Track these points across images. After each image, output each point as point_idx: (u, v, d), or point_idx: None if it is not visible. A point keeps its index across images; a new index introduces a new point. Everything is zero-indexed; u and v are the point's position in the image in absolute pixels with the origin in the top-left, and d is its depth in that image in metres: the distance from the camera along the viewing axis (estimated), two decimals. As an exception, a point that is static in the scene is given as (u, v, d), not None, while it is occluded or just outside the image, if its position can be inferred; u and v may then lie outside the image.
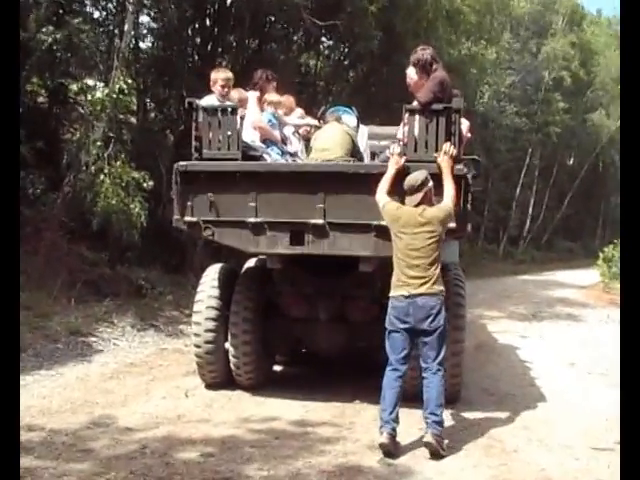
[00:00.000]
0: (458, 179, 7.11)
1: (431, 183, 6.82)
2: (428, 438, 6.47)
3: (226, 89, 8.10)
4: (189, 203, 7.62)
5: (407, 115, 7.39)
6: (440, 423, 6.58)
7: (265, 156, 8.13)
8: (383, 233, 7.20)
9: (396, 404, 6.58)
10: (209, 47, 18.48)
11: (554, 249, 41.50)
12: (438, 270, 6.70)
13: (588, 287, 25.10)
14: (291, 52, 20.41)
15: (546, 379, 10.04)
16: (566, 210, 43.42)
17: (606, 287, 23.30)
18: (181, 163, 7.63)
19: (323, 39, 20.95)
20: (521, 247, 38.97)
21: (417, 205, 6.75)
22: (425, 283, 6.60)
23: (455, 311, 8.06)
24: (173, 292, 15.07)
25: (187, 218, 7.63)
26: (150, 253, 15.52)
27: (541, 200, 40.29)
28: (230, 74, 8.29)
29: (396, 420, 6.57)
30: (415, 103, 7.55)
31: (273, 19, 18.30)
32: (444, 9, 19.99)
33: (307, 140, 9.40)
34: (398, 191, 7.00)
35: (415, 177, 6.82)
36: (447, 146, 7.06)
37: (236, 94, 8.32)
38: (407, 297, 6.59)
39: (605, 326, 16.02)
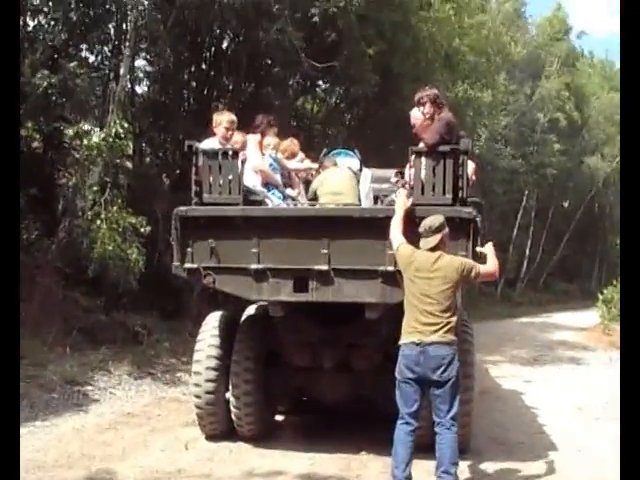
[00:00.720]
0: (467, 223, 6.93)
1: (447, 229, 6.62)
2: None
3: (230, 132, 7.95)
4: (189, 249, 7.40)
5: (413, 157, 7.23)
6: None
7: (267, 200, 7.95)
8: (390, 279, 7.02)
9: (409, 461, 6.33)
10: (205, 91, 18.42)
11: (551, 291, 41.33)
12: (453, 319, 6.45)
13: (588, 329, 24.86)
14: (287, 96, 20.33)
15: (554, 426, 9.79)
16: (563, 252, 43.36)
17: (606, 329, 23.04)
18: (181, 208, 7.44)
19: (320, 82, 20.90)
20: (518, 289, 38.79)
21: (433, 249, 6.53)
22: (437, 330, 6.35)
23: (463, 358, 7.78)
24: (170, 339, 14.79)
25: (187, 265, 7.40)
26: (146, 299, 15.24)
27: (538, 242, 40.22)
28: (234, 117, 8.14)
29: (409, 478, 6.30)
30: (421, 145, 7.41)
31: (270, 62, 18.22)
32: (443, 50, 19.99)
33: (306, 183, 9.27)
34: (406, 235, 6.80)
35: (432, 220, 6.61)
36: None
37: (239, 137, 8.16)
38: (418, 344, 6.34)
39: (608, 369, 15.70)
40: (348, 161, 8.72)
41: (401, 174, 9.22)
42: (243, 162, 7.57)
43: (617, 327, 22.33)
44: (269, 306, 7.66)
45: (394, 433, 6.48)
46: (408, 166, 7.55)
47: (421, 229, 6.63)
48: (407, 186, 7.52)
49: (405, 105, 19.97)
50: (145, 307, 15.13)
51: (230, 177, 7.44)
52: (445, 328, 6.37)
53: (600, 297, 25.16)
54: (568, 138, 38.25)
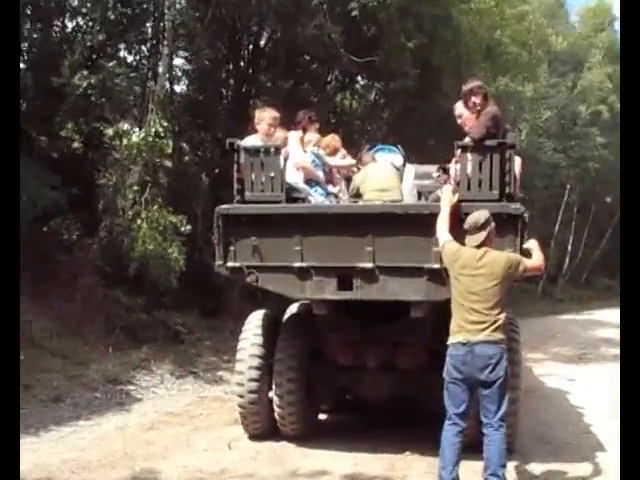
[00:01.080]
0: (515, 219, 6.78)
1: (493, 223, 6.46)
2: None
3: (273, 129, 7.86)
4: (231, 248, 7.33)
5: (459, 152, 7.08)
6: None
7: (309, 198, 7.85)
8: (436, 276, 6.89)
9: (457, 462, 6.17)
10: (243, 88, 18.36)
11: (593, 287, 40.66)
12: (501, 316, 6.26)
13: (632, 326, 24.34)
14: (325, 92, 20.24)
15: (600, 426, 9.55)
16: (605, 247, 42.63)
17: (652, 325, 22.56)
18: (223, 206, 7.36)
19: (358, 78, 20.76)
20: (560, 285, 38.16)
21: (479, 246, 6.38)
22: (485, 329, 6.17)
23: (510, 357, 7.59)
24: (211, 337, 14.81)
25: (230, 264, 7.33)
26: (186, 297, 15.23)
27: (580, 237, 39.56)
28: (276, 113, 8.04)
29: (456, 479, 6.15)
30: (467, 139, 7.26)
31: (308, 58, 18.13)
32: (484, 42, 19.73)
33: (347, 180, 9.16)
34: (452, 232, 6.66)
35: (478, 215, 6.44)
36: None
37: (281, 134, 8.06)
38: (465, 344, 6.17)
39: (655, 368, 15.42)
40: (392, 157, 8.59)
41: (443, 170, 9.08)
42: (285, 159, 7.49)
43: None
44: (312, 304, 7.54)
45: (441, 434, 6.34)
46: (454, 161, 7.43)
47: (466, 225, 6.47)
48: (453, 182, 7.38)
49: (445, 100, 19.83)
50: (186, 305, 15.12)
51: (272, 174, 7.34)
52: (493, 326, 6.20)
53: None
54: (610, 131, 37.46)
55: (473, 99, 7.58)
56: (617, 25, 40.85)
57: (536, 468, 7.48)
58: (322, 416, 9.38)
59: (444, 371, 6.35)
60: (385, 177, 8.02)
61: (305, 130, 8.66)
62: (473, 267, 6.30)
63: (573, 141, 35.12)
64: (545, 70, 31.50)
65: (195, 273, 14.82)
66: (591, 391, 12.38)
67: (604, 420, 9.88)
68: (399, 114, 21.41)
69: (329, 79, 20.72)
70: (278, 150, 7.38)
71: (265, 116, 7.91)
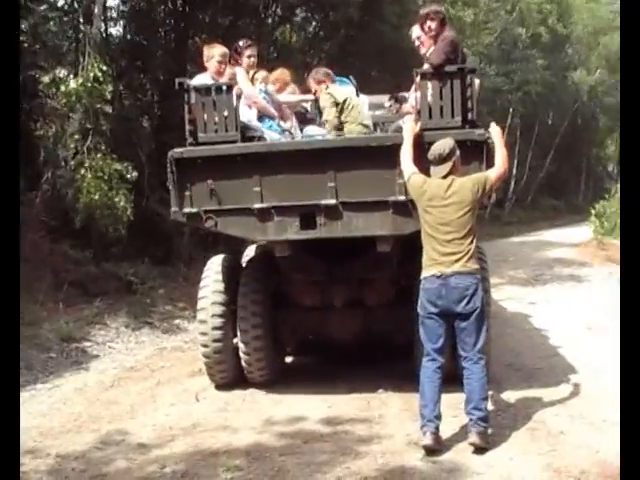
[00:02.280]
0: (480, 145, 6.57)
1: (458, 152, 6.22)
2: (474, 439, 5.90)
3: (223, 66, 7.47)
4: (187, 193, 6.97)
5: (419, 80, 6.80)
6: (485, 419, 5.99)
7: (265, 135, 7.50)
8: (402, 209, 6.68)
9: (438, 399, 6.00)
10: (182, 27, 17.70)
11: (539, 208, 41.10)
12: (473, 245, 6.08)
13: (581, 245, 24.60)
14: (265, 26, 19.69)
15: (568, 348, 9.59)
16: (549, 168, 43.06)
17: (600, 243, 22.85)
18: (176, 150, 6.98)
19: (297, 11, 20.19)
20: (507, 208, 38.43)
21: (445, 176, 6.14)
22: (459, 260, 5.98)
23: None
24: (163, 285, 14.46)
25: (186, 209, 6.99)
26: (135, 246, 14.84)
27: (524, 160, 39.75)
28: (226, 49, 7.63)
29: (439, 417, 5.98)
30: (426, 66, 6.98)
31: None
32: (426, -33, 19.22)
33: (297, 116, 8.84)
34: (417, 162, 6.41)
35: (442, 146, 6.18)
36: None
37: (230, 70, 7.67)
38: (439, 277, 5.97)
39: (609, 284, 15.56)
40: (344, 88, 8.24)
41: (395, 99, 8.84)
42: (239, 97, 7.12)
43: (612, 241, 22.27)
44: (275, 246, 7.25)
45: (418, 370, 6.18)
46: (413, 89, 7.17)
47: (430, 157, 6.22)
48: (413, 110, 7.12)
49: (388, 29, 19.55)
50: (135, 255, 14.73)
51: (226, 113, 6.99)
52: (466, 257, 6.01)
53: (593, 212, 24.91)
54: (551, 53, 37.59)
55: (429, 23, 7.38)
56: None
57: (512, 396, 7.41)
58: (288, 359, 9.20)
59: (418, 306, 6.16)
60: (364, 111, 7.72)
61: (238, 63, 8.21)
62: (442, 197, 6.08)
63: (514, 65, 35.03)
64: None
65: (143, 221, 14.48)
66: (552, 312, 12.50)
67: (570, 342, 9.96)
68: (340, 45, 20.98)
69: (268, 12, 20.15)
70: (230, 88, 7.01)
71: (215, 53, 7.50)
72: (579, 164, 49.81)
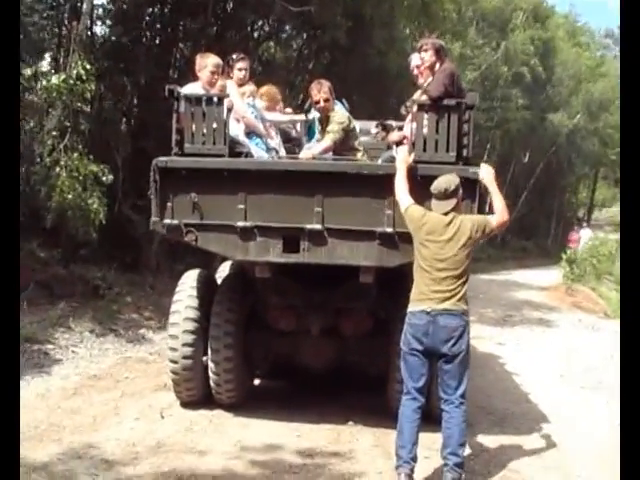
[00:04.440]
0: (473, 183, 6.46)
1: (461, 190, 6.11)
2: None
3: (216, 77, 7.30)
4: (169, 204, 6.77)
5: (416, 110, 6.68)
6: (461, 465, 5.84)
7: (252, 152, 7.34)
8: (388, 241, 6.56)
9: (416, 441, 5.84)
10: (169, 33, 17.51)
11: (509, 247, 41.04)
12: (466, 286, 5.96)
13: (549, 288, 24.70)
14: (252, 39, 19.54)
15: (540, 394, 9.51)
16: (521, 208, 43.29)
17: (569, 289, 22.96)
18: (161, 159, 6.77)
19: (286, 27, 20.07)
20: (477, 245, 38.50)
21: (447, 213, 6.01)
22: (450, 298, 5.84)
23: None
24: (131, 292, 14.13)
25: (167, 221, 6.77)
26: (104, 251, 14.54)
27: (497, 198, 39.98)
28: (219, 60, 7.47)
29: (415, 459, 5.83)
30: (424, 97, 6.88)
31: (234, 4, 17.38)
32: (419, -4, 19.26)
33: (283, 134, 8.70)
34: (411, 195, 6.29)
35: (448, 181, 6.06)
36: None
37: (221, 82, 7.51)
38: (428, 313, 5.82)
39: (579, 332, 15.63)
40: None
41: (383, 127, 8.77)
42: (229, 110, 6.95)
43: (580, 287, 22.39)
44: (256, 267, 7.04)
45: (393, 405, 6.04)
46: (408, 119, 7.07)
47: (435, 190, 6.08)
48: (407, 141, 7.01)
49: (373, 53, 19.50)
50: (104, 259, 14.40)
51: (215, 125, 6.82)
52: (458, 296, 5.87)
53: (564, 257, 25.05)
54: (532, 93, 37.84)
55: (422, 54, 7.30)
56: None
57: (484, 440, 7.31)
58: (256, 381, 8.99)
59: (402, 341, 6.00)
60: None
61: (229, 75, 8.08)
62: (441, 233, 5.96)
63: (495, 102, 35.21)
64: (473, 30, 31.39)
65: (114, 226, 14.15)
66: (522, 356, 12.42)
67: (540, 387, 9.91)
68: (325, 66, 20.87)
69: (255, 26, 20.03)
70: (222, 100, 6.85)
71: (208, 62, 7.33)
72: (551, 207, 50.08)
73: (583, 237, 30.77)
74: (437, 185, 6.06)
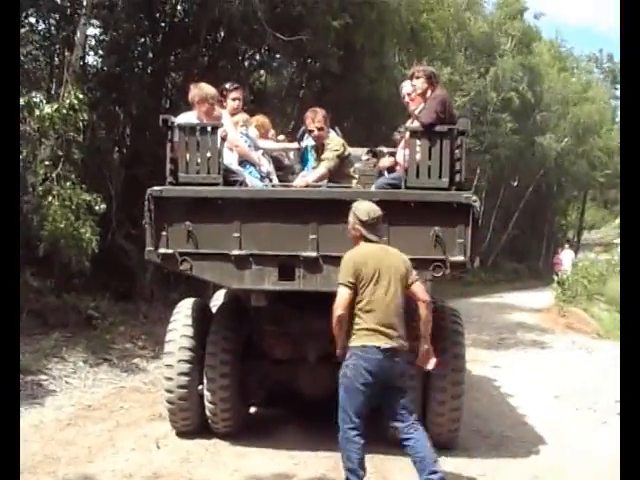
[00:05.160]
0: (466, 208, 6.51)
1: None
2: None
3: (211, 108, 7.36)
4: (164, 233, 6.83)
5: (408, 137, 6.75)
6: (444, 478, 5.91)
7: (246, 181, 7.38)
8: (383, 267, 6.53)
9: (364, 463, 5.95)
10: (160, 62, 17.59)
11: (500, 270, 41.20)
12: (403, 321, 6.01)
13: (542, 310, 24.76)
14: (243, 69, 19.66)
15: (536, 416, 9.47)
16: (512, 231, 43.45)
17: (561, 310, 23.01)
18: (155, 188, 6.83)
19: (277, 55, 20.21)
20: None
21: (379, 241, 6.07)
22: (399, 336, 5.91)
23: (455, 351, 7.44)
24: (124, 322, 14.11)
25: (161, 250, 6.83)
26: (98, 280, 14.54)
27: (488, 222, 39.97)
28: (216, 91, 7.54)
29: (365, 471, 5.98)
30: (416, 124, 6.95)
31: (227, 33, 17.50)
32: (408, 25, 19.39)
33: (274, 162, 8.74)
34: None
35: (375, 208, 6.06)
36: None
37: (216, 112, 7.56)
38: (382, 349, 5.82)
39: (573, 353, 15.62)
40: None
41: (373, 153, 8.83)
42: (223, 139, 7.00)
43: (572, 309, 22.44)
44: (251, 295, 7.07)
45: (342, 439, 5.98)
46: (401, 146, 7.13)
47: (366, 217, 6.00)
48: (400, 167, 7.07)
49: (364, 81, 19.65)
50: (97, 289, 14.40)
51: (209, 155, 6.89)
52: (402, 331, 5.95)
53: (555, 278, 25.15)
54: (520, 117, 38.06)
55: (414, 81, 7.41)
56: (529, 15, 41.51)
57: (481, 465, 7.27)
58: (252, 409, 8.94)
59: (349, 374, 5.93)
60: None
61: (222, 105, 8.13)
62: (385, 265, 5.96)
63: (484, 127, 35.38)
64: (462, 56, 31.61)
65: (107, 255, 14.20)
66: (516, 378, 12.39)
67: (536, 409, 9.87)
68: (316, 94, 21.01)
69: (246, 55, 20.16)
70: (215, 129, 6.91)
71: (208, 94, 7.38)
72: (541, 230, 50.32)
73: (565, 258, 31.03)
74: (371, 213, 6.02)
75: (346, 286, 5.84)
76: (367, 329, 5.87)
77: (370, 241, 6.01)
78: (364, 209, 6.03)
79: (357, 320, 5.90)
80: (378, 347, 5.81)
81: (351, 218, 6.04)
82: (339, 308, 5.83)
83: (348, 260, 5.93)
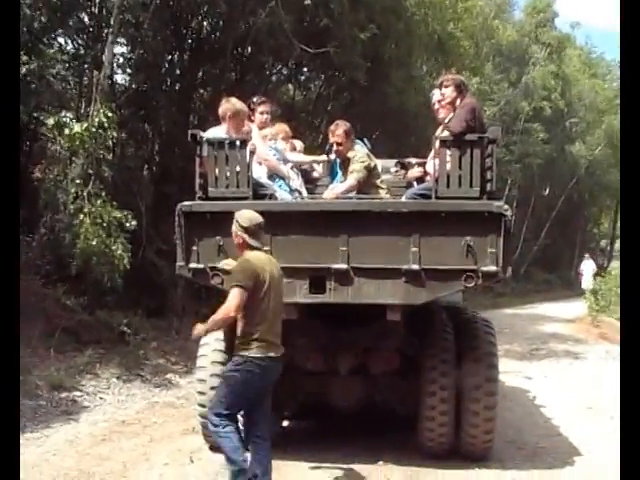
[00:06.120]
0: (498, 217, 6.45)
1: None
2: None
3: (241, 123, 7.36)
4: (194, 248, 6.84)
5: (438, 146, 6.71)
6: None
7: (276, 194, 7.38)
8: (414, 278, 6.58)
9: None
10: (188, 79, 17.72)
11: (532, 280, 40.94)
12: None
13: (575, 320, 24.59)
14: (271, 83, 19.75)
15: (570, 427, 9.37)
16: (543, 241, 43.11)
17: (594, 320, 22.78)
18: (185, 203, 6.87)
19: (304, 69, 20.28)
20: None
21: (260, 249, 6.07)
22: (280, 344, 6.04)
23: (488, 361, 7.37)
24: (156, 338, 14.23)
25: (192, 265, 6.85)
26: (130, 296, 14.59)
27: (519, 232, 39.69)
28: (245, 107, 7.55)
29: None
30: (445, 133, 6.92)
31: (254, 48, 17.62)
32: (435, 35, 19.39)
33: (304, 175, 8.73)
34: None
35: (256, 215, 6.04)
36: None
37: (245, 127, 7.57)
38: (274, 359, 5.93)
39: (606, 363, 15.41)
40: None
41: (402, 165, 8.81)
42: (252, 153, 7.01)
43: (606, 318, 22.18)
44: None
45: (226, 437, 5.93)
46: (431, 156, 7.09)
47: (247, 224, 5.95)
48: (431, 177, 7.04)
49: (392, 92, 19.66)
50: (129, 305, 14.47)
51: (238, 169, 6.89)
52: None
53: (584, 288, 24.96)
54: (551, 126, 37.85)
55: (443, 90, 7.38)
56: (560, 22, 41.26)
57: (516, 477, 7.18)
58: (284, 422, 8.93)
59: (237, 378, 5.95)
60: None
61: (250, 119, 8.14)
62: (274, 275, 6.00)
63: (515, 136, 35.20)
64: (491, 65, 31.50)
65: (139, 271, 14.25)
66: (550, 389, 12.31)
67: (570, 420, 9.76)
68: (344, 106, 21.05)
69: (274, 70, 20.26)
70: (244, 143, 6.92)
71: (239, 109, 7.37)
72: (573, 239, 49.82)
73: (586, 269, 30.62)
74: (253, 220, 5.99)
75: (244, 288, 5.78)
76: (262, 340, 5.89)
77: (254, 248, 5.97)
78: (246, 216, 6.00)
79: (251, 329, 5.89)
80: (271, 357, 5.89)
81: (234, 226, 6.03)
82: (233, 311, 5.80)
83: (248, 263, 5.89)
